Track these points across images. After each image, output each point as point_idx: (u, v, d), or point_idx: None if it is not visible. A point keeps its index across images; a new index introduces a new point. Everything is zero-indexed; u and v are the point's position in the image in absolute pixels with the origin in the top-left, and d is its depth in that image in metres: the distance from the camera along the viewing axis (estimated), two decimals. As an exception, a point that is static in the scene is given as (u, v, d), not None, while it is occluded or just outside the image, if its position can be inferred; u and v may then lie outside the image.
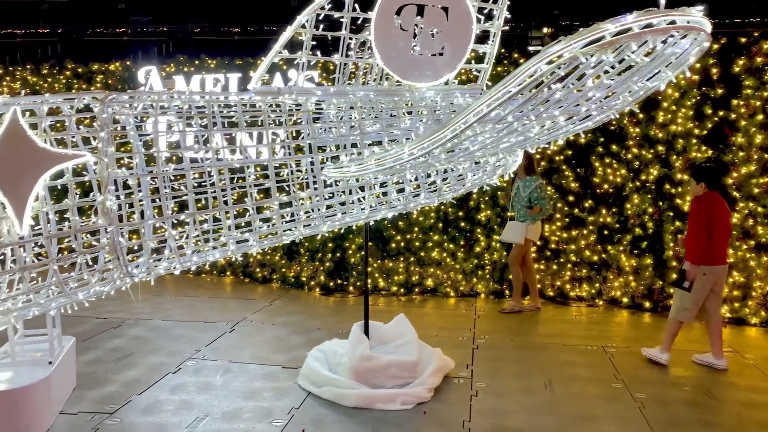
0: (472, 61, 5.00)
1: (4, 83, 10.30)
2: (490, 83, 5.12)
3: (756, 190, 7.12)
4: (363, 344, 5.05)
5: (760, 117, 7.11)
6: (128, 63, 9.92)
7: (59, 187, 4.40)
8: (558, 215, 8.06)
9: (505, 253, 8.21)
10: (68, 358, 4.92)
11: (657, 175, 7.59)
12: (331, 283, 8.61)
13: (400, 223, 8.31)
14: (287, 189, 4.87)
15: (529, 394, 5.18)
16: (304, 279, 8.81)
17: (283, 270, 9.02)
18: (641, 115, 7.55)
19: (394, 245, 8.43)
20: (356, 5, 4.64)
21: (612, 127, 7.74)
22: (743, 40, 7.28)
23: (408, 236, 8.41)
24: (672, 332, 5.88)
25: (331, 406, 4.85)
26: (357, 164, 4.13)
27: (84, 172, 4.37)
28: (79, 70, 10.13)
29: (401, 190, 4.78)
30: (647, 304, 7.65)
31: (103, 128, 4.17)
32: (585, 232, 8.01)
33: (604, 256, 7.94)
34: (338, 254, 8.62)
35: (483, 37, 5.03)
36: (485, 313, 7.64)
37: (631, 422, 4.69)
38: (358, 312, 7.67)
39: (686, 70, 3.51)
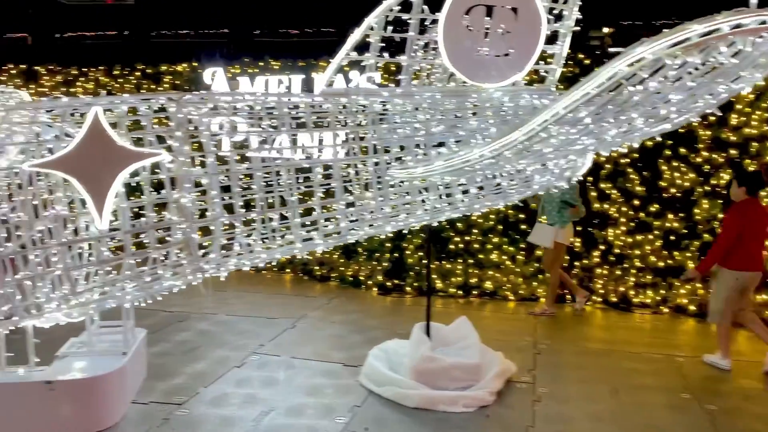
0: (541, 62, 4.93)
1: (78, 83, 10.75)
2: (559, 84, 5.06)
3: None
4: (425, 345, 5.05)
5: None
6: (195, 64, 10.18)
7: (132, 184, 4.55)
8: (623, 219, 7.87)
9: (567, 256, 8.07)
10: (140, 349, 5.10)
11: (728, 179, 7.32)
12: (389, 283, 8.64)
13: (458, 224, 8.27)
14: (350, 189, 4.92)
15: (593, 401, 5.08)
16: (361, 278, 8.88)
17: (341, 269, 9.11)
18: (712, 118, 7.30)
19: (452, 246, 8.40)
20: (424, 6, 4.65)
21: (681, 130, 7.50)
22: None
23: (467, 238, 8.37)
24: (722, 337, 5.82)
25: (392, 406, 4.86)
26: (424, 165, 4.14)
27: (156, 170, 4.51)
28: (148, 71, 10.47)
29: (465, 192, 4.76)
30: (716, 313, 7.40)
31: (179, 128, 4.32)
32: (650, 237, 7.80)
33: (670, 262, 7.71)
34: (396, 254, 8.64)
35: (551, 38, 4.96)
36: (547, 318, 7.52)
37: (702, 434, 4.55)
38: (416, 313, 7.72)
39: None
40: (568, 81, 6.40)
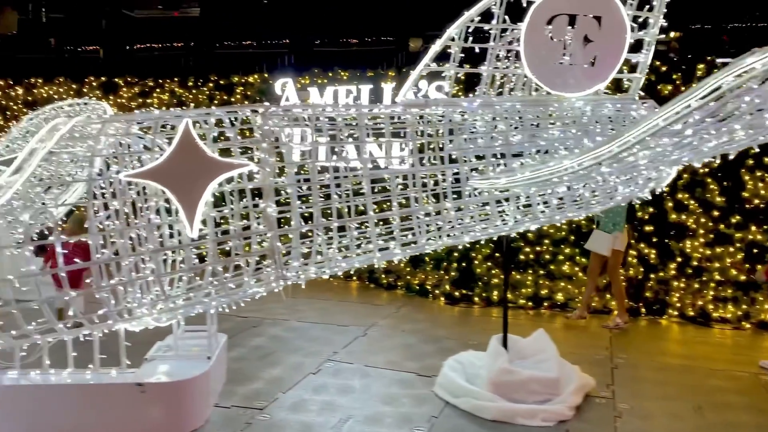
0: (624, 71, 4.84)
1: (155, 94, 11.16)
2: (642, 93, 4.95)
3: None
4: (502, 357, 5.00)
5: None
6: (265, 75, 10.43)
7: (217, 194, 4.69)
8: (701, 231, 7.62)
9: (641, 268, 7.87)
10: (222, 354, 5.23)
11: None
12: (456, 293, 8.59)
13: (529, 234, 8.16)
14: (428, 199, 4.93)
15: (677, 418, 4.91)
16: (428, 287, 8.87)
17: (408, 277, 9.12)
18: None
19: (522, 257, 8.30)
20: (506, 17, 4.64)
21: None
22: None
23: (537, 248, 8.25)
24: None
25: (469, 417, 4.83)
26: (508, 176, 4.12)
27: (238, 180, 4.63)
28: (221, 82, 10.78)
29: (546, 203, 4.70)
30: (803, 330, 7.07)
31: (264, 139, 4.43)
32: (731, 249, 7.52)
33: (752, 276, 7.40)
34: (464, 264, 8.60)
35: (634, 46, 4.86)
36: (621, 331, 7.33)
37: (798, 458, 4.34)
38: (485, 323, 7.67)
39: None
40: (644, 90, 6.24)
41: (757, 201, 7.37)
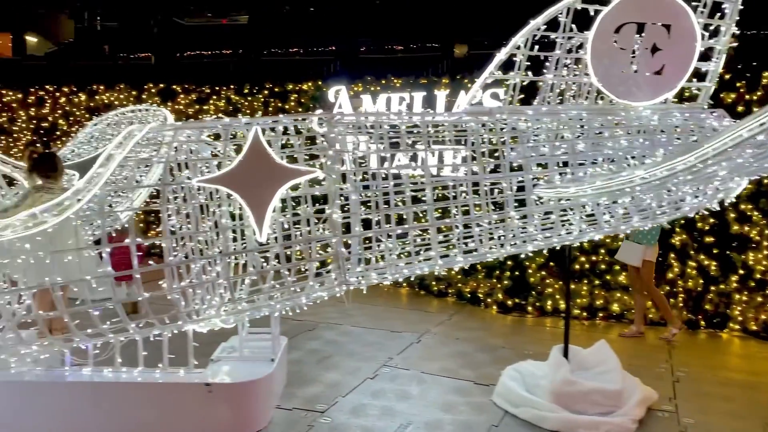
0: (694, 79, 4.76)
1: (211, 101, 11.44)
2: (712, 102, 4.87)
3: None
4: (564, 368, 4.96)
5: None
6: (319, 83, 10.58)
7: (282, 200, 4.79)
8: (766, 243, 7.41)
9: (701, 280, 7.69)
10: (283, 356, 5.32)
11: None
12: (509, 302, 8.54)
13: (584, 244, 8.06)
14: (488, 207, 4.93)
15: (745, 436, 4.79)
16: (480, 295, 8.83)
17: (459, 285, 9.10)
18: None
19: (577, 266, 8.19)
20: (573, 25, 4.62)
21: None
22: None
23: (593, 258, 8.14)
24: None
25: (529, 427, 4.80)
26: (577, 185, 4.09)
27: (299, 187, 4.70)
28: (276, 89, 10.99)
29: (611, 213, 4.65)
30: None
31: (331, 146, 4.51)
32: (798, 262, 7.29)
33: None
34: (517, 273, 8.54)
35: (702, 54, 4.78)
36: (680, 343, 7.18)
37: None
38: (539, 333, 7.61)
39: None
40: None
41: (825, 213, 7.14)
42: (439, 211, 5.35)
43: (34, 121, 12.54)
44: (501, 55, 4.73)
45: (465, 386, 5.61)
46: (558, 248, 4.94)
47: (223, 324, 4.63)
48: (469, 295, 8.95)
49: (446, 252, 4.76)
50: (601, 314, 8.10)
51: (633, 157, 4.61)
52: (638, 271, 7.25)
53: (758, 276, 7.47)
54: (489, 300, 8.69)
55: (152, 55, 21.91)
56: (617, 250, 8.00)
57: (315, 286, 4.61)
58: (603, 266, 8.10)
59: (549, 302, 8.30)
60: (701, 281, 7.71)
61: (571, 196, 4.20)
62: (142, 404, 4.51)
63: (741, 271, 7.53)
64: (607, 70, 4.60)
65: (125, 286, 6.86)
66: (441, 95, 9.20)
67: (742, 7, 4.59)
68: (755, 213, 7.48)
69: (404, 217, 5.17)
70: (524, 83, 4.78)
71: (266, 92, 11.04)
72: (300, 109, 10.56)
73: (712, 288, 7.70)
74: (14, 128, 12.62)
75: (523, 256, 8.25)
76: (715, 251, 7.66)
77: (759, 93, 7.51)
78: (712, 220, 7.61)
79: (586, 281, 8.17)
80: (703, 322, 7.74)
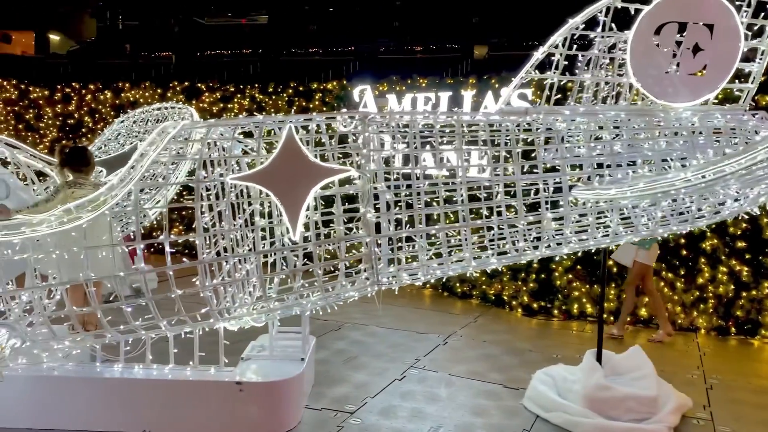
0: (736, 80, 4.65)
1: (235, 99, 11.46)
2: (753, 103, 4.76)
3: None
4: (598, 373, 4.88)
5: None
6: (344, 82, 10.56)
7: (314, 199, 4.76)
8: (800, 248, 7.27)
9: (732, 286, 7.56)
10: (311, 355, 5.29)
11: None
12: (535, 305, 8.45)
13: (611, 247, 7.95)
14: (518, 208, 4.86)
15: (784, 446, 4.68)
16: (505, 298, 8.75)
17: (484, 287, 9.03)
18: None
19: (605, 270, 8.08)
20: (613, 24, 4.54)
21: None
22: None
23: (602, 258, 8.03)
24: None
25: (562, 432, 4.74)
26: (618, 187, 4.01)
27: (330, 186, 4.66)
28: (300, 88, 10.98)
29: (650, 216, 4.56)
30: None
31: (365, 145, 4.47)
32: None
33: None
34: (543, 275, 8.44)
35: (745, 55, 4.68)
36: (711, 350, 7.06)
37: None
38: (566, 337, 7.52)
39: None
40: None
41: None
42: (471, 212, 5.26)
43: (60, 118, 12.64)
44: (538, 54, 4.65)
45: (494, 389, 5.54)
46: (593, 251, 4.85)
47: (254, 322, 4.61)
48: (493, 298, 8.87)
49: (479, 253, 4.70)
50: (628, 318, 7.97)
51: (670, 160, 4.52)
52: (639, 273, 7.28)
53: (792, 282, 7.33)
54: (514, 302, 8.61)
55: (173, 54, 22.10)
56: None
57: (347, 285, 4.57)
58: (631, 270, 7.97)
59: (576, 306, 8.20)
60: (732, 287, 7.58)
61: (612, 198, 4.12)
62: (172, 402, 4.50)
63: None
64: (647, 70, 4.51)
65: None
66: (467, 95, 9.12)
67: (787, 7, 4.48)
68: None
69: (434, 217, 5.13)
70: (562, 83, 4.70)
71: (291, 91, 11.04)
72: (325, 109, 10.55)
73: (744, 294, 7.56)
74: (41, 125, 12.74)
75: (548, 257, 8.20)
76: (747, 256, 7.53)
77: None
78: (744, 225, 7.47)
79: (613, 285, 8.06)
80: (733, 329, 7.60)
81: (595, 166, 4.53)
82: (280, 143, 4.29)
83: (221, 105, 11.48)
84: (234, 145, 5.06)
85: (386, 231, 4.55)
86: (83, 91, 12.53)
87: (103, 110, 12.35)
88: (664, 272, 7.85)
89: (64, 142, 11.03)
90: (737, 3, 4.44)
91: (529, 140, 4.69)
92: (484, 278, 8.99)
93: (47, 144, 12.18)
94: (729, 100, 4.93)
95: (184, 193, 10.87)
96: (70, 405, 4.48)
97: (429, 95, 9.43)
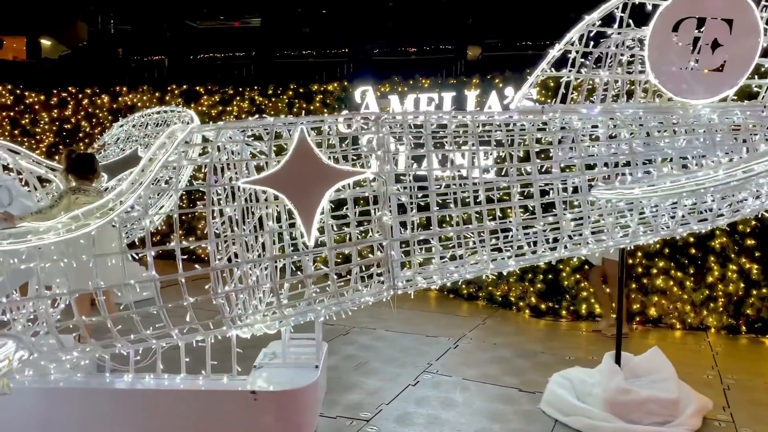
0: (755, 77, 4.58)
1: (234, 102, 11.33)
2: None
3: None
4: (618, 376, 4.79)
5: None
6: (345, 83, 10.45)
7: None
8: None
9: (742, 284, 7.50)
10: (324, 362, 5.18)
11: None
12: (542, 306, 8.36)
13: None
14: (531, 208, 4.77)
15: (808, 448, 4.61)
16: (512, 299, 8.67)
17: (490, 288, 8.94)
18: None
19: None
20: (630, 21, 4.46)
21: None
22: None
23: (629, 261, 7.95)
24: None
25: (582, 437, 4.65)
26: (642, 186, 3.92)
27: (341, 189, 4.56)
28: (301, 90, 10.86)
29: (672, 216, 4.48)
30: None
31: (379, 147, 4.37)
32: None
33: None
34: (550, 276, 8.36)
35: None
36: (723, 349, 6.99)
37: None
38: (577, 338, 7.44)
39: None
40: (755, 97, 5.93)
41: None
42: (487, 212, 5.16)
43: (57, 123, 12.48)
44: (554, 52, 4.55)
45: (510, 393, 5.44)
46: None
47: (267, 329, 4.50)
48: (500, 299, 8.79)
49: (495, 255, 4.61)
50: (637, 318, 7.92)
51: (692, 157, 4.44)
52: (600, 271, 7.43)
53: (803, 280, 7.28)
54: (521, 304, 8.52)
55: (166, 57, 21.94)
56: (655, 253, 7.86)
57: (363, 290, 4.47)
58: (640, 269, 7.91)
59: (584, 306, 8.12)
60: (742, 285, 7.52)
61: (637, 198, 4.03)
62: (185, 412, 4.38)
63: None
64: (664, 66, 4.43)
65: None
66: (471, 95, 9.04)
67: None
68: None
69: (446, 219, 5.04)
70: (577, 80, 4.62)
71: (291, 93, 10.92)
72: (326, 111, 10.44)
73: (754, 292, 7.50)
74: (37, 130, 12.57)
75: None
76: (756, 254, 7.46)
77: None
78: (753, 222, 7.41)
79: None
80: (744, 328, 7.54)
81: (614, 165, 4.45)
82: (292, 145, 4.19)
83: (220, 108, 11.35)
84: (242, 148, 4.97)
85: (398, 234, 4.45)
86: (80, 96, 12.37)
87: (101, 114, 12.20)
88: (673, 271, 7.77)
89: (61, 147, 10.88)
90: (757, -3, 4.37)
91: (545, 139, 4.60)
92: (490, 279, 8.90)
93: (44, 149, 12.02)
94: (748, 96, 4.87)
95: (184, 198, 10.74)
96: (79, 417, 4.36)
97: (432, 95, 9.35)
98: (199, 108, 11.22)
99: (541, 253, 4.57)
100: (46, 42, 29.84)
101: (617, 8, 4.45)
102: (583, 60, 4.52)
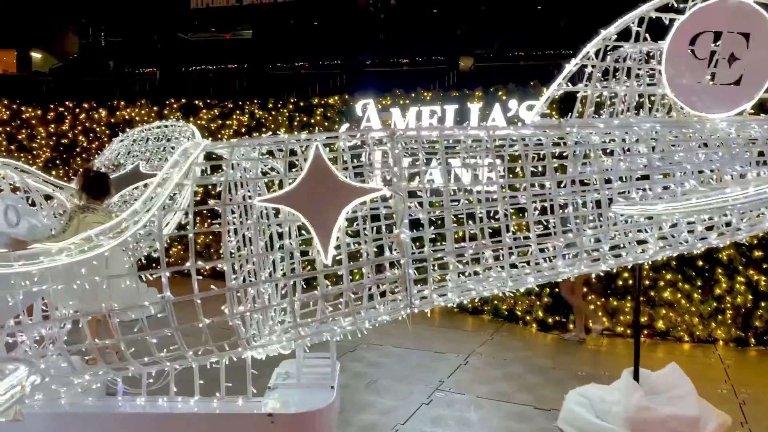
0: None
1: (234, 116, 11.24)
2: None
3: None
4: (638, 393, 4.73)
5: None
6: (346, 96, 10.39)
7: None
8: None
9: (750, 296, 7.48)
10: (337, 381, 5.09)
11: None
12: (550, 320, 8.31)
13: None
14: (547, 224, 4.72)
15: (830, 464, 4.56)
16: (518, 313, 8.60)
17: (496, 302, 8.86)
18: None
19: (620, 282, 7.97)
20: (647, 35, 4.44)
21: None
22: None
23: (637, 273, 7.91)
24: None
25: (603, 456, 4.57)
26: (665, 202, 3.88)
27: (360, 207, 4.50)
28: (301, 103, 10.79)
29: (691, 231, 4.44)
30: None
31: (396, 163, 4.31)
32: None
33: None
34: (557, 289, 8.30)
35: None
36: (733, 362, 6.96)
37: None
38: (585, 352, 7.38)
39: None
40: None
41: None
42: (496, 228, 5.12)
43: (54, 138, 12.34)
44: (570, 66, 4.54)
45: (525, 411, 5.37)
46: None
47: (282, 350, 4.42)
48: (506, 313, 8.72)
49: (519, 272, 4.55)
50: (645, 331, 7.87)
51: (711, 171, 4.41)
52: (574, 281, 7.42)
53: (811, 291, 7.27)
54: (528, 318, 8.46)
55: (157, 70, 21.90)
56: (662, 266, 7.83)
57: (380, 308, 4.40)
58: (647, 282, 7.87)
59: (591, 320, 8.06)
60: (750, 297, 7.50)
61: (660, 213, 3.98)
62: (199, 436, 4.28)
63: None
64: (681, 80, 4.41)
65: None
66: (474, 108, 9.01)
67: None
68: None
69: (460, 235, 4.97)
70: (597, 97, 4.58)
71: (291, 106, 10.84)
72: (326, 124, 10.37)
73: (762, 304, 7.48)
74: (34, 145, 12.42)
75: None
76: (764, 266, 7.45)
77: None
78: (761, 234, 7.39)
79: (629, 298, 7.94)
80: (753, 340, 7.51)
81: (634, 180, 4.41)
82: (307, 163, 4.12)
83: (219, 122, 11.26)
84: (254, 165, 4.90)
85: (420, 252, 4.39)
86: (77, 110, 12.24)
87: (98, 129, 12.07)
88: (680, 283, 7.74)
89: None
90: (773, 11, 4.36)
91: (563, 154, 4.56)
92: (496, 293, 8.82)
93: (41, 164, 11.87)
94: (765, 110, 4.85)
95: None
96: (91, 443, 4.25)
97: (434, 108, 9.31)
98: (198, 122, 11.12)
99: (560, 270, 4.52)
100: (36, 55, 29.67)
101: (633, 23, 4.44)
102: (595, 73, 4.50)
